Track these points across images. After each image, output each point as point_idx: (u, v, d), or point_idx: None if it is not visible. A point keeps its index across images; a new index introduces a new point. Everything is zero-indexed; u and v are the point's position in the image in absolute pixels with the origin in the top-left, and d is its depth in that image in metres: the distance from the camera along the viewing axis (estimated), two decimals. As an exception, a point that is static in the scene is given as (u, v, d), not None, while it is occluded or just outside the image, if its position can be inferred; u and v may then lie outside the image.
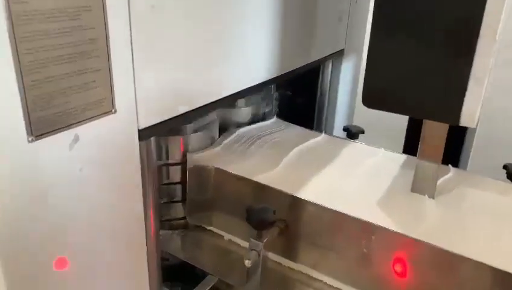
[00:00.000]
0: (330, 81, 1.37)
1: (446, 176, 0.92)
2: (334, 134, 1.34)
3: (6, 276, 0.52)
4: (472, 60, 0.67)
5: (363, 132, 1.19)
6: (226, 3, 0.79)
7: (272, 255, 0.88)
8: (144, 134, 0.67)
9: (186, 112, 0.75)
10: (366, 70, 0.77)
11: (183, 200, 0.96)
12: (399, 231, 0.73)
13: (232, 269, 0.88)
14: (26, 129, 0.50)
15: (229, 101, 0.87)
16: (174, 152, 0.93)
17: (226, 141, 1.02)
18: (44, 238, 0.56)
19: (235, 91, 0.87)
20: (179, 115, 0.74)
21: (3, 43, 0.46)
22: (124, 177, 0.66)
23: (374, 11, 0.74)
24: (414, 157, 0.86)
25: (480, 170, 0.97)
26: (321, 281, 0.84)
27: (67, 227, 0.58)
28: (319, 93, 1.39)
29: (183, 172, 0.94)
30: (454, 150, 1.46)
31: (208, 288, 0.89)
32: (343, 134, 1.22)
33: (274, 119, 1.20)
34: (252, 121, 1.15)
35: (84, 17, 0.53)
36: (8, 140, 0.49)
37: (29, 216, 0.53)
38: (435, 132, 0.81)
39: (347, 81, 1.42)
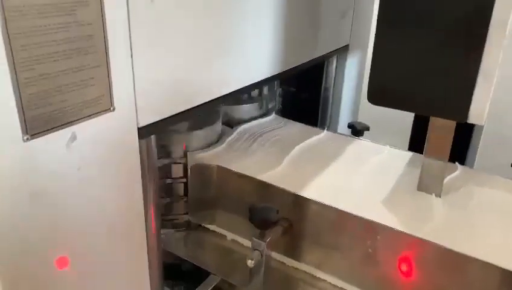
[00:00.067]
0: (335, 77, 1.36)
1: (453, 174, 0.91)
2: (339, 131, 1.33)
3: (4, 276, 0.51)
4: (481, 54, 0.66)
5: (368, 129, 1.18)
6: (228, -2, 0.77)
7: (276, 255, 0.87)
8: (143, 132, 0.66)
9: (187, 110, 0.74)
10: (372, 66, 0.76)
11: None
12: (405, 230, 0.73)
13: (235, 268, 0.88)
14: (21, 128, 0.49)
15: (231, 98, 0.86)
16: (175, 150, 0.92)
17: (227, 139, 1.01)
18: (43, 238, 0.55)
19: (237, 88, 0.86)
20: (180, 113, 0.73)
21: (-4, 39, 0.45)
22: (124, 176, 0.66)
23: (379, 5, 0.73)
24: (420, 154, 0.85)
25: (488, 168, 0.96)
26: (325, 281, 0.84)
27: (66, 227, 0.58)
28: (323, 89, 1.37)
29: (185, 170, 0.93)
30: (461, 147, 1.45)
31: (211, 288, 0.89)
32: (348, 131, 1.20)
33: (273, 116, 1.19)
34: (255, 118, 1.14)
35: (80, 12, 0.52)
36: (2, 139, 0.48)
37: (25, 216, 0.52)
38: (442, 129, 0.79)
39: (352, 76, 1.40)
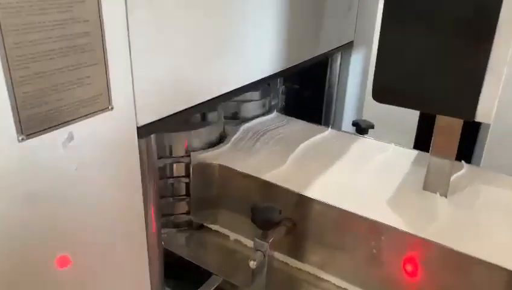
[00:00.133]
0: (339, 74, 1.35)
1: (459, 173, 0.90)
2: (343, 129, 1.32)
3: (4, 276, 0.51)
4: (490, 51, 0.64)
5: (372, 127, 1.17)
6: (229, -6, 0.76)
7: (279, 255, 0.86)
8: (143, 131, 0.65)
9: (187, 109, 0.73)
10: (377, 63, 0.75)
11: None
12: (410, 231, 0.72)
13: (237, 269, 0.87)
14: (16, 128, 0.48)
15: (233, 97, 0.85)
16: (177, 149, 0.91)
17: (232, 138, 1.00)
18: (42, 238, 0.54)
19: (238, 86, 0.84)
20: (179, 112, 0.72)
21: (-12, 37, 0.44)
22: (124, 176, 0.65)
23: (384, 1, 0.71)
24: (426, 153, 0.84)
25: (495, 166, 0.95)
26: (329, 282, 0.83)
27: (65, 227, 0.57)
28: (327, 87, 1.36)
29: (187, 169, 0.92)
30: (467, 146, 1.43)
31: (213, 288, 0.87)
32: (352, 129, 1.19)
33: (274, 114, 1.17)
34: (258, 116, 1.12)
35: (76, 9, 0.51)
36: (-4, 139, 0.47)
37: (22, 217, 0.51)
38: (448, 128, 0.78)
39: (356, 73, 1.39)
